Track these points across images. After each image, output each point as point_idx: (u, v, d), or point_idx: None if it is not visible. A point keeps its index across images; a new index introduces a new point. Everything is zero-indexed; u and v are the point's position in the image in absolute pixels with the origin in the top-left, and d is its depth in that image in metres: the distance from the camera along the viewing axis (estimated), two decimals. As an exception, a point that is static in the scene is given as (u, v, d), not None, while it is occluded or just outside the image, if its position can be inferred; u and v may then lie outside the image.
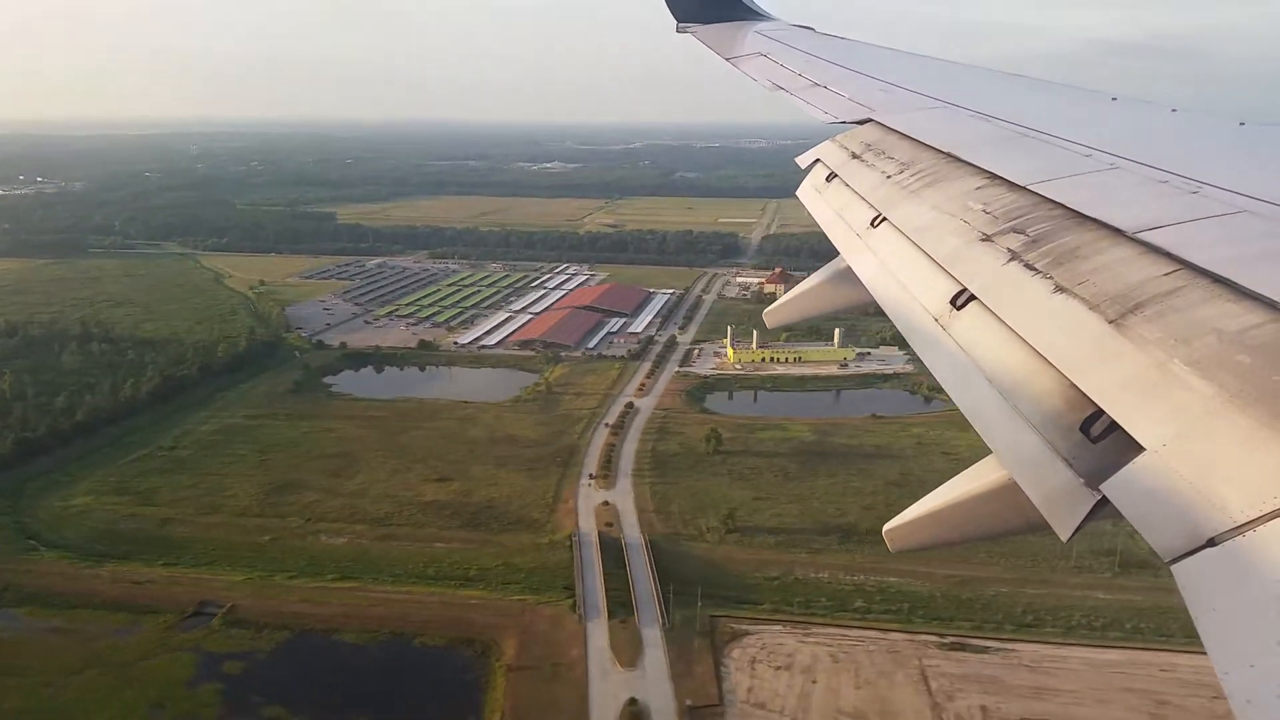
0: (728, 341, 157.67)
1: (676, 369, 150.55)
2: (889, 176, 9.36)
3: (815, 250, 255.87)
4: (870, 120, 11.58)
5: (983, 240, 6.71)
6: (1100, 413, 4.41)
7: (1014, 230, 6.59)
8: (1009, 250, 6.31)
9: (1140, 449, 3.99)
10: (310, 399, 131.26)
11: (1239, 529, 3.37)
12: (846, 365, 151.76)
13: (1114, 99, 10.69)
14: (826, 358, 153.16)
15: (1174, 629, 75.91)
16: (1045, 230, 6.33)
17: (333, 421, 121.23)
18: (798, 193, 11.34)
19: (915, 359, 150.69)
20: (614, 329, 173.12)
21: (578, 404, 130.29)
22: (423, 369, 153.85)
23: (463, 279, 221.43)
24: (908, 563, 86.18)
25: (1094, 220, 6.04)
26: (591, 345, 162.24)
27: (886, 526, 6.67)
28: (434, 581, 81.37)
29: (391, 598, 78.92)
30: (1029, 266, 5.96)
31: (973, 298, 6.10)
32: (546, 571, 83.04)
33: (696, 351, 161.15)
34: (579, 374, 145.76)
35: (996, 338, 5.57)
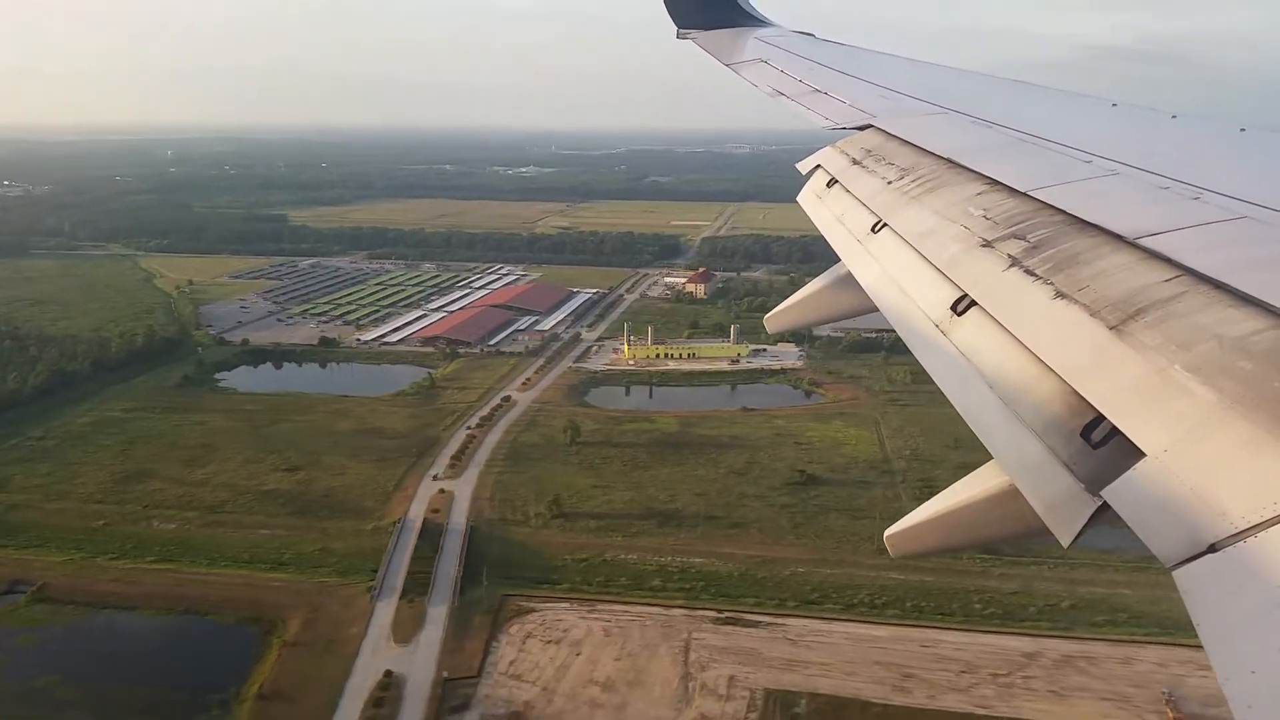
0: (625, 337, 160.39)
1: (571, 365, 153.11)
2: (890, 182, 9.37)
3: (749, 251, 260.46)
4: (871, 126, 11.61)
5: (983, 246, 6.69)
6: (1101, 418, 4.40)
7: (1014, 236, 6.56)
8: (1009, 256, 6.28)
9: (1141, 455, 3.99)
10: (193, 393, 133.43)
11: (1240, 535, 3.36)
12: (739, 361, 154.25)
13: (1114, 105, 10.76)
14: (719, 354, 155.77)
15: (953, 608, 78.58)
16: (1046, 236, 6.29)
17: (206, 414, 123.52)
18: (798, 198, 11.31)
19: (806, 355, 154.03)
20: (523, 326, 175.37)
21: (457, 398, 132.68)
22: (323, 365, 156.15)
23: (391, 278, 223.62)
24: (717, 544, 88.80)
25: (1094, 226, 6.02)
26: (493, 342, 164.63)
27: (887, 532, 6.56)
28: (246, 565, 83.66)
29: (201, 579, 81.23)
30: (1029, 272, 5.92)
31: (973, 303, 6.09)
32: (360, 556, 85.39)
33: (595, 348, 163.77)
34: (470, 369, 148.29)
35: (997, 343, 5.54)
